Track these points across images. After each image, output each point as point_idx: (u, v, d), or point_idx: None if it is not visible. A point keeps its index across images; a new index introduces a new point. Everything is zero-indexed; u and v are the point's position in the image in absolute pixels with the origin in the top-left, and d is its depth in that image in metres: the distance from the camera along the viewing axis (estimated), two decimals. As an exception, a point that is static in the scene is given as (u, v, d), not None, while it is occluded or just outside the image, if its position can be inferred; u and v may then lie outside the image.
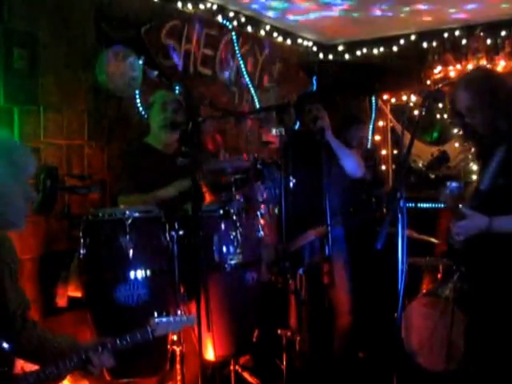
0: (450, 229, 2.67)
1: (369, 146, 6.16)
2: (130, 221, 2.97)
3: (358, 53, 6.22)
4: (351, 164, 3.87)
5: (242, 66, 5.23)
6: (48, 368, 2.13)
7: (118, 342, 2.28)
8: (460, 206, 2.60)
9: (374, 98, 6.25)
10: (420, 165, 3.37)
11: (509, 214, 2.51)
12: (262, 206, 3.47)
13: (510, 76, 4.76)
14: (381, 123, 6.29)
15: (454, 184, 2.70)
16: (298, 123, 4.21)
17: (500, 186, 2.51)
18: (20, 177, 2.16)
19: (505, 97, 2.60)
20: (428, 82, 5.77)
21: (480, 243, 2.60)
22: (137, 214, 3.03)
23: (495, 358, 2.66)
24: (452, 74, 5.73)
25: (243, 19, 5.18)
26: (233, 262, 3.18)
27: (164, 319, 2.40)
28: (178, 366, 3.12)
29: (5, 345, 2.10)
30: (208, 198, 3.66)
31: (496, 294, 2.65)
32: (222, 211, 3.19)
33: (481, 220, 2.53)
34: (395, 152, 6.22)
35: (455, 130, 5.75)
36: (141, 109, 4.18)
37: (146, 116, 3.70)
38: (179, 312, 2.52)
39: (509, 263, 2.59)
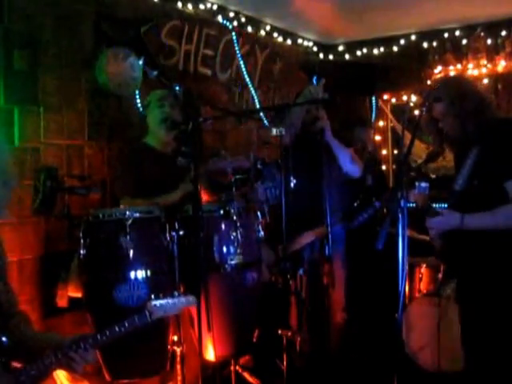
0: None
1: (369, 148, 6.16)
2: (130, 221, 2.98)
3: (359, 53, 6.23)
4: (349, 164, 3.89)
5: (242, 66, 5.22)
6: (29, 367, 2.11)
7: (116, 328, 2.24)
8: (432, 204, 2.75)
9: (374, 98, 6.26)
10: (418, 162, 3.37)
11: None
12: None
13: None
14: (381, 123, 6.29)
15: (424, 184, 2.78)
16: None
17: (474, 186, 2.63)
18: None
19: (472, 101, 2.73)
20: (428, 82, 5.77)
21: (457, 240, 2.72)
22: (137, 215, 3.03)
23: (484, 353, 2.70)
24: (452, 73, 5.73)
25: (243, 19, 5.18)
26: (233, 262, 3.18)
27: (161, 301, 2.37)
28: (178, 367, 3.12)
29: (3, 338, 2.11)
30: (205, 197, 3.65)
31: (477, 289, 2.73)
32: (222, 211, 3.19)
33: (453, 217, 2.65)
34: (395, 152, 6.22)
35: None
36: (141, 109, 4.18)
37: (143, 117, 3.69)
38: (176, 293, 2.48)
39: (485, 259, 2.68)
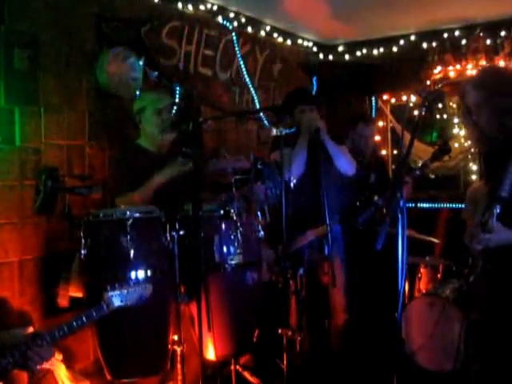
0: (469, 232, 2.60)
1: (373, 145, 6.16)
2: (130, 221, 2.98)
3: (358, 53, 6.22)
4: (344, 163, 3.92)
5: (242, 66, 5.23)
6: None
7: (73, 322, 2.20)
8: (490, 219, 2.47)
9: (374, 99, 6.26)
10: (420, 164, 3.38)
11: None
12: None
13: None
14: (381, 123, 6.29)
15: (498, 210, 2.47)
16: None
17: None
18: None
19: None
20: (428, 82, 5.78)
21: (501, 249, 2.54)
22: (137, 215, 3.04)
23: (504, 360, 2.65)
24: (452, 74, 5.73)
25: (243, 20, 5.18)
26: (233, 262, 3.19)
27: (117, 291, 2.36)
28: (178, 366, 3.13)
29: None
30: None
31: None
32: (222, 211, 3.20)
33: (505, 235, 2.47)
34: (395, 152, 6.22)
35: (458, 131, 5.76)
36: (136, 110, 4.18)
37: (137, 119, 3.67)
38: (131, 282, 2.46)
39: None
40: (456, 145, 5.76)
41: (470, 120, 2.63)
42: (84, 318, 2.25)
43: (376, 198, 3.93)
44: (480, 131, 2.62)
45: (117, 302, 2.34)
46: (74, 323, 2.24)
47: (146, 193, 3.36)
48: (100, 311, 2.30)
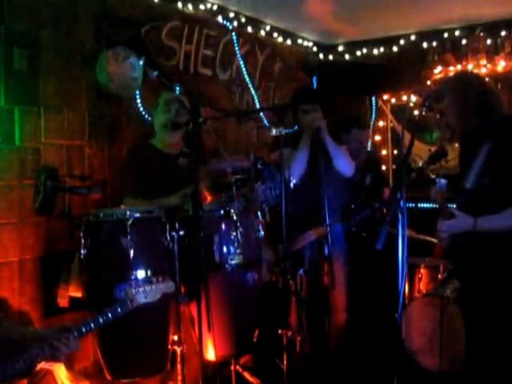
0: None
1: (369, 148, 6.17)
2: (130, 221, 2.98)
3: (358, 53, 6.23)
4: (343, 163, 3.91)
5: (242, 66, 5.23)
6: (15, 361, 2.12)
7: (99, 318, 2.24)
8: (447, 204, 2.71)
9: (374, 98, 6.26)
10: (420, 164, 3.37)
11: (492, 213, 2.59)
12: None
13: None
14: (381, 123, 6.30)
15: (443, 181, 2.76)
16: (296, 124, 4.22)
17: (486, 184, 2.58)
18: None
19: (479, 100, 2.73)
20: (428, 82, 5.78)
21: (466, 241, 2.69)
22: (137, 215, 3.03)
23: (490, 355, 2.69)
24: (452, 74, 5.73)
25: (243, 19, 5.18)
26: (233, 262, 3.19)
27: (141, 288, 2.39)
28: (178, 366, 3.13)
29: None
30: (209, 198, 3.67)
31: (483, 291, 2.71)
32: (222, 211, 3.20)
33: (466, 220, 2.62)
34: (395, 152, 6.22)
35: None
36: (141, 109, 4.18)
37: (150, 118, 3.71)
38: (155, 279, 2.49)
39: (495, 260, 2.66)
40: (456, 145, 5.75)
41: (443, 122, 2.83)
42: (109, 314, 2.29)
43: (375, 204, 3.92)
44: (452, 132, 2.83)
45: (141, 299, 2.37)
46: (100, 319, 2.27)
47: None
48: (125, 307, 2.34)
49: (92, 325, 2.27)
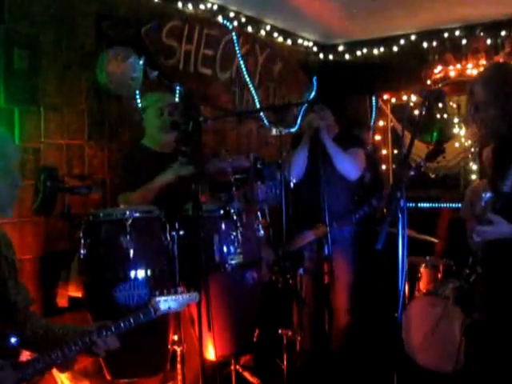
0: (469, 230, 2.67)
1: (368, 148, 6.17)
2: (130, 221, 2.98)
3: (358, 53, 6.23)
4: (345, 165, 3.84)
5: (243, 66, 5.23)
6: (53, 353, 2.16)
7: (121, 324, 2.29)
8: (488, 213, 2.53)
9: (374, 98, 6.26)
10: (419, 159, 3.38)
11: None
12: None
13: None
14: (381, 123, 6.29)
15: (489, 194, 2.60)
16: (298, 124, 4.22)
17: None
18: (9, 167, 2.23)
19: None
20: (428, 82, 5.78)
21: (501, 247, 2.57)
22: (137, 215, 3.03)
23: (490, 354, 2.66)
24: (452, 73, 5.73)
25: (243, 19, 5.18)
26: (233, 262, 3.19)
27: (165, 297, 2.40)
28: (178, 366, 3.13)
29: (12, 339, 2.14)
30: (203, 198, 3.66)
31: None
32: (222, 211, 3.19)
33: (506, 228, 2.49)
34: (395, 152, 6.22)
35: (458, 131, 5.76)
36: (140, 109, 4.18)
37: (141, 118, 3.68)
38: (179, 289, 2.50)
39: None
40: (456, 144, 5.76)
41: (478, 117, 2.65)
42: (132, 320, 2.30)
43: (372, 200, 3.90)
44: (487, 128, 2.65)
45: (164, 309, 2.39)
46: (122, 325, 2.29)
47: (147, 194, 3.36)
48: (147, 316, 2.36)
49: (113, 329, 2.30)
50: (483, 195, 2.60)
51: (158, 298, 2.38)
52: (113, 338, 2.29)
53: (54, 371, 3.00)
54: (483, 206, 2.61)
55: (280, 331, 3.58)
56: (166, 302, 2.41)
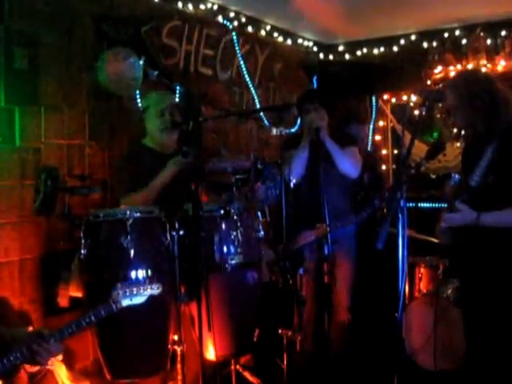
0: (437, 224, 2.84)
1: (369, 147, 6.17)
2: (130, 221, 2.98)
3: (358, 53, 6.23)
4: (345, 164, 3.88)
5: (243, 66, 5.23)
6: None
7: (82, 321, 2.23)
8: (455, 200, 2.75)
9: (374, 98, 6.26)
10: (419, 159, 3.39)
11: (496, 210, 2.65)
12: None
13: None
14: (381, 123, 6.29)
15: (457, 176, 2.84)
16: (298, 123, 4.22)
17: (490, 182, 2.63)
18: None
19: (487, 100, 2.74)
20: (428, 82, 5.77)
21: (466, 239, 2.76)
22: (137, 215, 3.03)
23: (489, 355, 2.70)
24: (452, 73, 5.72)
25: (244, 19, 5.18)
26: (233, 262, 3.18)
27: (126, 290, 2.38)
28: (178, 366, 3.13)
29: None
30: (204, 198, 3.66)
31: (483, 289, 2.75)
32: (222, 211, 3.19)
33: (470, 214, 2.68)
34: (395, 152, 6.22)
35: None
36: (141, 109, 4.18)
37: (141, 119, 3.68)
38: (142, 281, 2.49)
39: (495, 258, 2.70)
40: (457, 144, 5.76)
41: (450, 120, 2.84)
42: (92, 316, 2.27)
43: (374, 200, 3.90)
44: (459, 130, 2.84)
45: (125, 301, 2.35)
46: (83, 321, 2.25)
47: (150, 193, 3.36)
48: (108, 309, 2.32)
49: (74, 327, 2.26)
50: (453, 175, 2.84)
51: (118, 291, 2.36)
52: (56, 345, 2.22)
53: (55, 371, 3.01)
54: (452, 185, 2.85)
55: (280, 331, 3.58)
56: (126, 294, 2.38)
